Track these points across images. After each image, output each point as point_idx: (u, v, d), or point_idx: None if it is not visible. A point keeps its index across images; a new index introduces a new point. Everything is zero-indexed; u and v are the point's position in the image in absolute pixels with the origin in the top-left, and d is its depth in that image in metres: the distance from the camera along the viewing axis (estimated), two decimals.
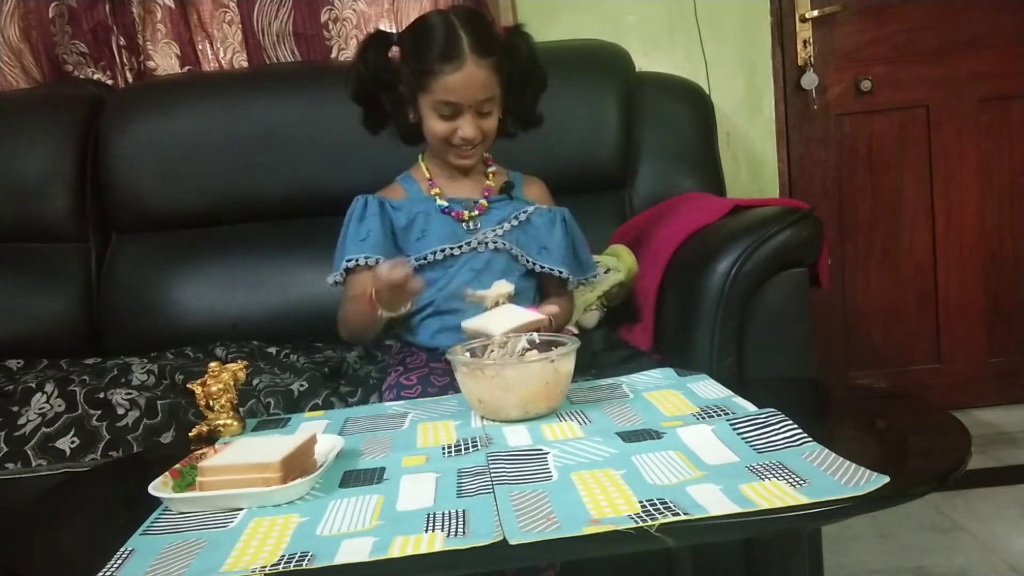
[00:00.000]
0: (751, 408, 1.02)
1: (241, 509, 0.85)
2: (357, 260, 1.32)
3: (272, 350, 1.66)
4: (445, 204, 1.39)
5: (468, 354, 1.11)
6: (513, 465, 0.89)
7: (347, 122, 1.43)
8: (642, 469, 0.86)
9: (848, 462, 0.81)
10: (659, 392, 1.14)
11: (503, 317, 1.15)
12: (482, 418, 1.08)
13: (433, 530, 0.76)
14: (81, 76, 2.13)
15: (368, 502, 0.84)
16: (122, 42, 2.11)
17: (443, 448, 0.99)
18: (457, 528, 0.76)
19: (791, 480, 0.79)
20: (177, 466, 0.92)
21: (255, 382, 1.41)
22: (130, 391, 1.39)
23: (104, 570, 0.75)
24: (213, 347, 1.68)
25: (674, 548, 0.73)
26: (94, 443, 1.31)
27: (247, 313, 1.81)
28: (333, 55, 2.14)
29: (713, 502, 0.76)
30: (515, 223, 1.39)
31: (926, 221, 2.44)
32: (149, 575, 0.73)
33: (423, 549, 0.73)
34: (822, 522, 1.20)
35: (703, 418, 1.00)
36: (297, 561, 0.72)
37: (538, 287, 1.42)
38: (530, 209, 1.41)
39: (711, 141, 1.94)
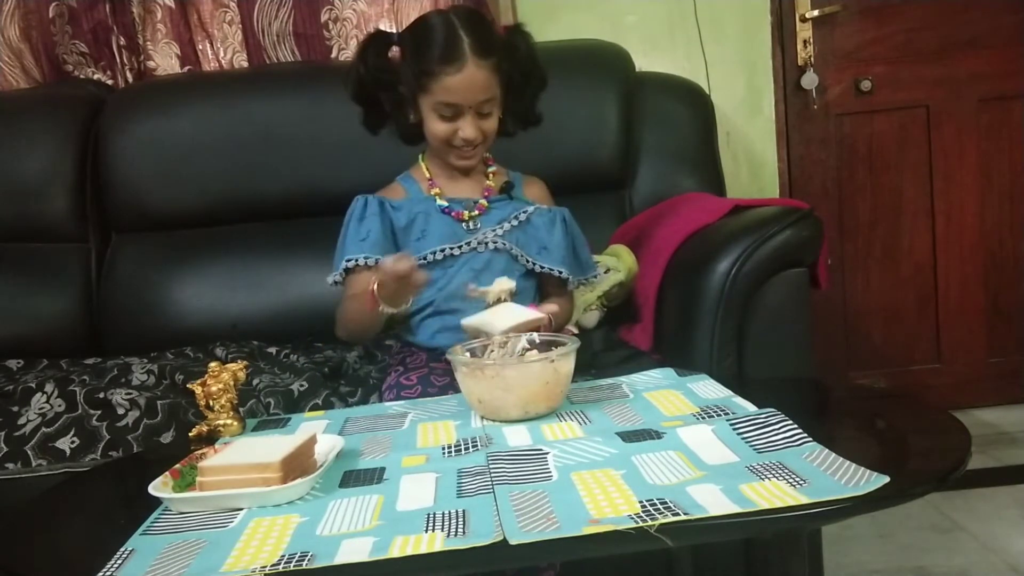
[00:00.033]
0: (751, 408, 1.02)
1: (241, 509, 0.85)
2: (357, 260, 1.32)
3: (272, 350, 1.66)
4: (445, 204, 1.39)
5: (468, 354, 1.11)
6: (513, 465, 0.89)
7: (347, 122, 1.43)
8: (642, 469, 0.86)
9: (848, 462, 0.81)
10: (659, 392, 1.14)
11: (503, 315, 1.15)
12: (482, 418, 1.08)
13: (433, 530, 0.76)
14: (81, 76, 2.13)
15: (368, 502, 0.84)
16: (122, 42, 2.11)
17: (443, 448, 0.99)
18: (457, 528, 0.76)
19: (791, 480, 0.79)
20: (177, 466, 0.92)
21: (255, 382, 1.41)
22: (130, 391, 1.39)
23: (104, 570, 0.75)
24: (213, 347, 1.68)
25: (674, 548, 0.73)
26: (94, 443, 1.31)
27: (247, 313, 1.81)
28: (333, 55, 2.14)
29: (713, 502, 0.76)
30: (515, 223, 1.39)
31: (926, 221, 2.44)
32: (149, 575, 0.73)
33: (423, 549, 0.73)
34: (822, 522, 1.20)
35: (703, 418, 1.00)
36: (297, 561, 0.72)
37: (538, 287, 1.42)
38: (530, 209, 1.41)
39: (711, 141, 1.94)
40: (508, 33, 1.37)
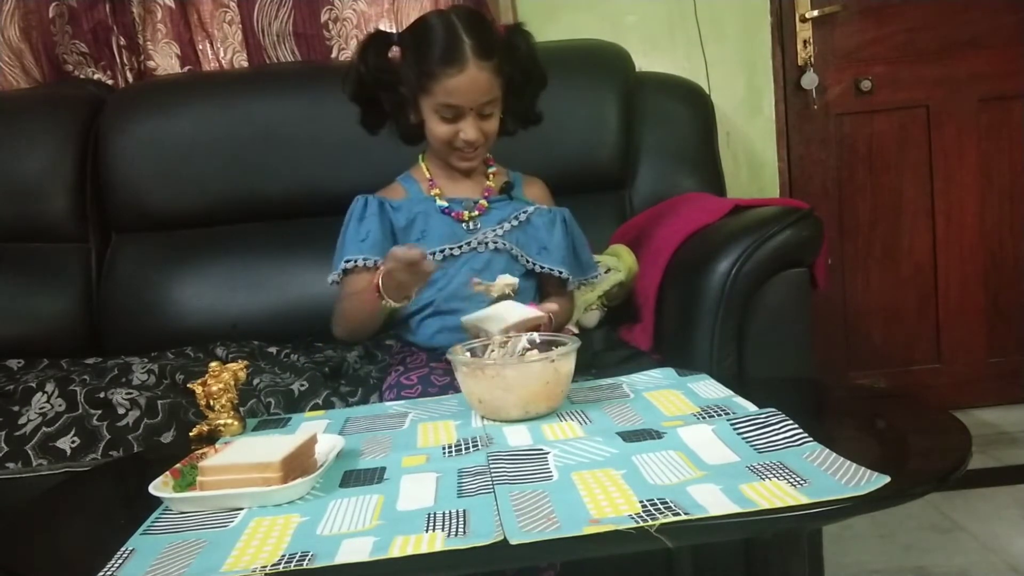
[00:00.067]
0: (751, 408, 1.02)
1: (241, 509, 0.85)
2: (356, 261, 1.32)
3: (272, 350, 1.66)
4: (445, 204, 1.39)
5: (468, 354, 1.11)
6: (513, 465, 0.89)
7: (347, 122, 1.43)
8: (642, 469, 0.86)
9: (848, 462, 0.81)
10: (659, 392, 1.14)
11: (503, 313, 1.15)
12: (482, 418, 1.08)
13: (433, 530, 0.76)
14: (81, 76, 2.13)
15: (368, 502, 0.84)
16: (122, 42, 2.11)
17: (443, 448, 0.99)
18: (457, 528, 0.76)
19: (791, 480, 0.79)
20: (177, 466, 0.92)
21: (255, 382, 1.40)
22: (130, 391, 1.39)
23: (104, 570, 0.75)
24: (213, 347, 1.68)
25: (674, 548, 0.73)
26: (94, 443, 1.31)
27: (247, 313, 1.81)
28: (333, 55, 2.14)
29: (713, 502, 0.76)
30: (515, 223, 1.39)
31: (926, 221, 2.44)
32: (149, 575, 0.73)
33: (423, 549, 0.73)
34: (822, 522, 1.21)
35: (703, 418, 1.00)
36: (297, 561, 0.72)
37: (538, 287, 1.42)
38: (530, 209, 1.41)
39: (711, 141, 1.94)
40: (508, 33, 1.37)
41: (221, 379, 1.11)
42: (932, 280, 2.45)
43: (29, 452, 1.30)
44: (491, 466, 0.90)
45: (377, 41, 1.38)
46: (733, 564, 1.36)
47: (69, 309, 1.88)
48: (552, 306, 1.21)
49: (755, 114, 2.32)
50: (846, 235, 2.44)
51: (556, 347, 1.08)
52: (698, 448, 0.90)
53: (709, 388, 1.13)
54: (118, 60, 2.11)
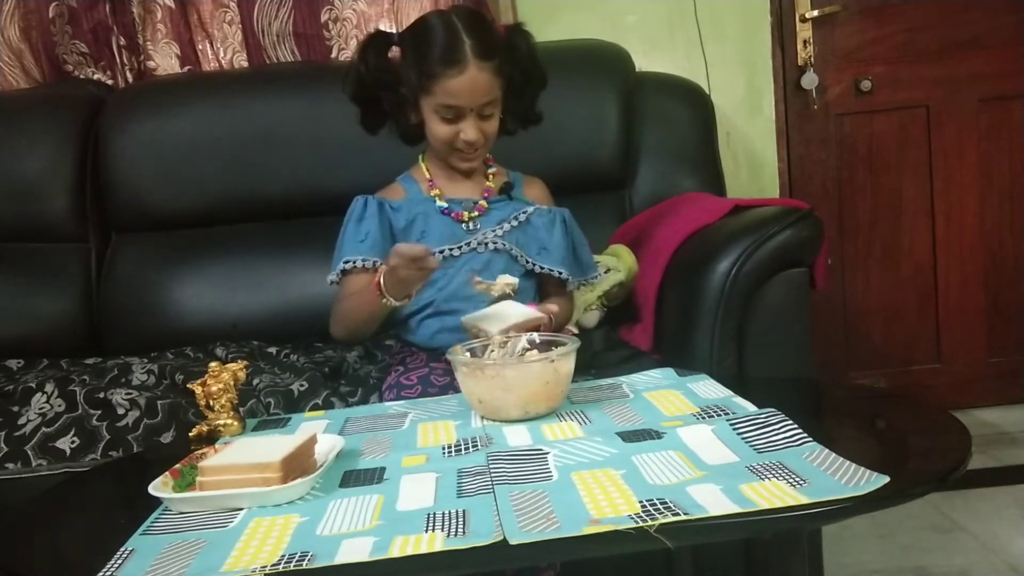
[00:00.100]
0: (751, 408, 1.02)
1: (241, 509, 0.85)
2: (354, 262, 1.32)
3: (272, 350, 1.66)
4: (444, 205, 1.39)
5: (468, 354, 1.11)
6: (513, 465, 0.89)
7: (347, 122, 1.43)
8: (642, 469, 0.86)
9: (848, 462, 0.81)
10: (659, 392, 1.14)
11: (503, 314, 1.15)
12: (482, 418, 1.08)
13: (433, 530, 0.76)
14: (81, 76, 2.13)
15: (368, 502, 0.84)
16: (122, 42, 2.11)
17: (443, 448, 0.99)
18: (457, 528, 0.76)
19: (791, 480, 0.79)
20: (177, 466, 0.92)
21: (255, 382, 1.40)
22: (130, 391, 1.38)
23: (104, 570, 0.75)
24: (213, 347, 1.68)
25: (674, 548, 0.73)
26: (94, 443, 1.31)
27: (247, 313, 1.81)
28: (333, 55, 2.14)
29: (713, 502, 0.76)
30: (515, 223, 1.39)
31: (926, 221, 2.44)
32: (149, 575, 0.73)
33: (423, 549, 0.73)
34: (822, 522, 1.20)
35: (703, 418, 1.00)
36: (297, 561, 0.72)
37: (538, 287, 1.42)
38: (530, 210, 1.41)
39: (711, 141, 1.94)
40: (508, 33, 1.37)
41: (221, 379, 1.11)
42: (932, 280, 2.45)
43: (29, 452, 1.30)
44: (491, 466, 0.90)
45: (377, 41, 1.38)
46: (733, 564, 1.36)
47: (69, 309, 1.88)
48: (553, 307, 1.21)
49: (755, 114, 2.32)
50: (846, 235, 2.44)
51: (556, 347, 1.08)
52: (698, 448, 0.90)
53: (709, 388, 1.13)
54: (118, 60, 2.11)
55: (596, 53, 1.99)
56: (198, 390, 1.12)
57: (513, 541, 0.72)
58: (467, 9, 1.60)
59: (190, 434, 1.13)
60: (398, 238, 1.36)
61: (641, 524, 0.73)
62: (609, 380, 1.22)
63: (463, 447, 0.98)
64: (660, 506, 0.76)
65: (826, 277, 1.43)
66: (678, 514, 0.74)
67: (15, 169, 1.89)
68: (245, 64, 2.14)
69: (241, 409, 1.16)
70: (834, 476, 0.79)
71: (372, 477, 0.91)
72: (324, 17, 2.13)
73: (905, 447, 0.99)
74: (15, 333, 1.81)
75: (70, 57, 2.12)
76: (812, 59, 2.33)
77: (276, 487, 0.85)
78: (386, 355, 1.54)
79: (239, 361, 1.16)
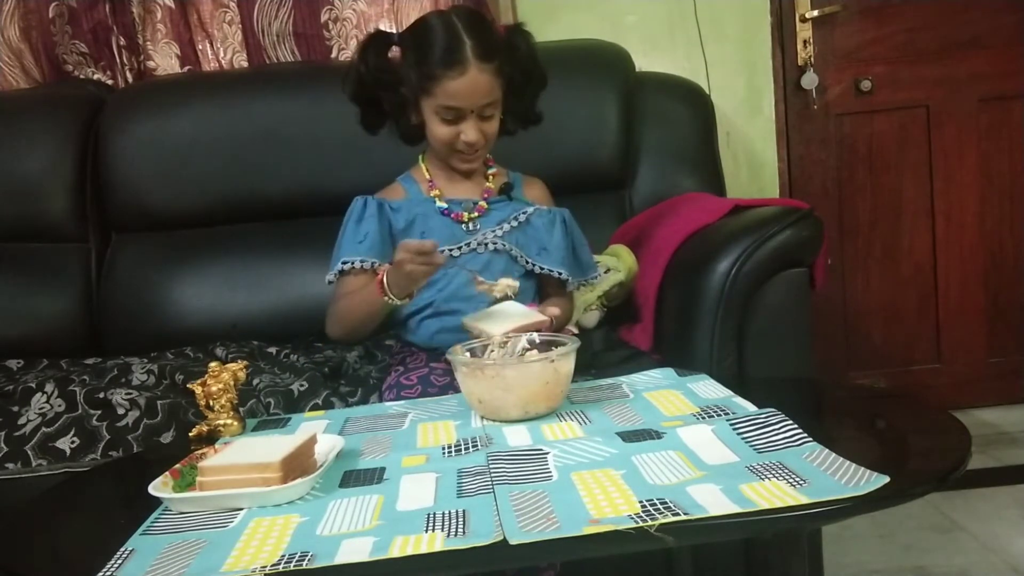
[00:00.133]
0: (751, 408, 1.02)
1: (241, 509, 0.85)
2: (353, 263, 1.32)
3: (272, 350, 1.66)
4: (444, 205, 1.39)
5: (468, 354, 1.11)
6: (513, 465, 0.89)
7: (347, 122, 1.43)
8: (642, 469, 0.86)
9: (848, 462, 0.81)
10: (659, 392, 1.14)
11: (505, 316, 1.15)
12: (482, 418, 1.08)
13: (433, 530, 0.76)
14: (81, 76, 2.13)
15: (368, 502, 0.84)
16: (122, 42, 2.11)
17: (443, 448, 0.99)
18: (457, 528, 0.76)
19: (791, 480, 0.79)
20: (177, 466, 0.92)
21: (255, 382, 1.40)
22: (130, 391, 1.38)
23: (104, 570, 0.75)
24: (213, 347, 1.68)
25: (674, 548, 0.73)
26: (94, 443, 1.31)
27: (247, 313, 1.81)
28: (333, 55, 2.14)
29: (713, 502, 0.76)
30: (514, 224, 1.39)
31: (926, 221, 2.44)
32: (149, 575, 0.73)
33: (423, 549, 0.73)
34: (822, 522, 1.20)
35: (703, 418, 1.00)
36: (297, 561, 0.72)
37: (538, 287, 1.42)
38: (530, 210, 1.41)
39: (711, 141, 1.94)
40: (508, 33, 1.37)
41: (221, 379, 1.11)
42: (932, 280, 2.45)
43: (29, 452, 1.30)
44: (491, 466, 0.90)
45: (377, 41, 1.38)
46: (733, 564, 1.36)
47: (69, 309, 1.88)
48: (554, 310, 1.21)
49: (755, 114, 2.32)
50: (846, 235, 2.44)
51: (556, 347, 1.08)
52: (698, 448, 0.90)
53: (709, 388, 1.13)
54: (118, 60, 2.11)
55: (596, 53, 1.99)
56: (198, 390, 1.12)
57: (513, 541, 0.72)
58: (467, 9, 1.60)
59: (190, 434, 1.13)
60: (398, 238, 1.36)
61: (641, 524, 0.73)
62: (609, 380, 1.22)
63: (463, 447, 0.98)
64: (660, 506, 0.76)
65: (826, 277, 1.43)
66: (678, 514, 0.74)
67: (15, 169, 1.89)
68: (245, 64, 2.14)
69: (241, 409, 1.16)
70: (834, 476, 0.79)
71: (372, 477, 0.91)
72: (324, 17, 2.13)
73: (905, 447, 0.99)
74: (15, 333, 1.81)
75: (70, 57, 2.12)
76: (812, 59, 2.33)
77: (276, 487, 0.85)
78: (386, 355, 1.54)
79: (239, 361, 1.16)
